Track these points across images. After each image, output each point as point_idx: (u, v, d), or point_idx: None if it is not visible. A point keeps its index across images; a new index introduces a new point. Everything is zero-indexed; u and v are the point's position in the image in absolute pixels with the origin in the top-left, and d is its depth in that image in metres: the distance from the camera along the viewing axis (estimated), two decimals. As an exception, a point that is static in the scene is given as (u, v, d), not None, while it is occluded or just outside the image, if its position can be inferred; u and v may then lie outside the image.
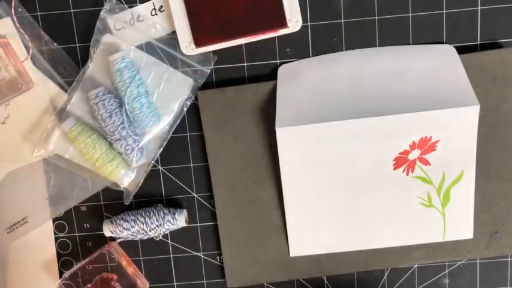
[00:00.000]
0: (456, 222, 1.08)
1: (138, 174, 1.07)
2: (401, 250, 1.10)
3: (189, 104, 1.06)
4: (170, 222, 1.08)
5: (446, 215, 1.07)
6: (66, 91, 1.05)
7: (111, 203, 1.11)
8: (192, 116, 1.07)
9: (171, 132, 1.06)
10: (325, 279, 1.15)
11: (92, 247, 1.13)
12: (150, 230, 1.08)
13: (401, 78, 1.01)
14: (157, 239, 1.12)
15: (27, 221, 1.10)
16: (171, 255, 1.14)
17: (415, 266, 1.13)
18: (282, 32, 1.02)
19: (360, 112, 0.98)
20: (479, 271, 1.13)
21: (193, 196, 1.11)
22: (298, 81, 1.03)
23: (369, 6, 1.03)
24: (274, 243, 1.11)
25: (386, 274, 1.14)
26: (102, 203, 1.11)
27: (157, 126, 1.04)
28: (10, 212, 1.10)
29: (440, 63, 1.02)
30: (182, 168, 1.10)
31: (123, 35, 1.03)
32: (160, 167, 1.10)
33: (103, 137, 1.04)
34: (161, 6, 1.02)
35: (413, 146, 1.01)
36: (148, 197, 1.11)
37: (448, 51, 1.03)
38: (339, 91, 1.02)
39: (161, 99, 1.04)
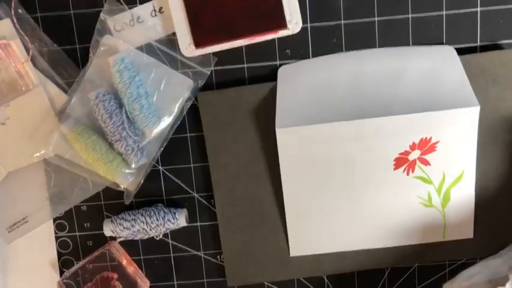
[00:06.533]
0: (456, 222, 1.08)
1: (138, 175, 1.07)
2: (401, 250, 1.10)
3: (189, 105, 1.06)
4: (170, 222, 1.08)
5: (446, 215, 1.07)
6: (66, 92, 1.05)
7: (111, 202, 1.12)
8: (192, 117, 1.08)
9: (172, 133, 1.07)
10: (325, 278, 1.15)
11: (92, 246, 1.14)
12: (150, 230, 1.08)
13: (401, 79, 1.01)
14: (158, 238, 1.12)
15: (27, 221, 1.10)
16: (172, 255, 1.14)
17: (415, 266, 1.14)
18: (282, 33, 1.02)
19: (360, 113, 0.98)
20: (479, 271, 1.13)
21: (194, 196, 1.11)
22: (298, 82, 1.03)
23: (369, 7, 1.03)
24: (274, 243, 1.11)
25: (386, 274, 1.14)
26: (102, 202, 1.12)
27: (158, 127, 1.04)
28: (10, 212, 1.10)
29: (440, 64, 1.02)
30: (182, 168, 1.10)
31: (123, 36, 1.03)
32: (160, 167, 1.10)
33: (103, 137, 1.04)
34: (161, 7, 1.02)
35: (413, 147, 1.01)
36: (149, 197, 1.11)
37: (448, 52, 1.03)
38: (338, 92, 1.02)
39: (161, 100, 1.04)
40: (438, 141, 1.01)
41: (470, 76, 1.01)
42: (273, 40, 1.04)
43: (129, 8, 1.02)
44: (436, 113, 0.97)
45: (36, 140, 1.05)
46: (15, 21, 1.01)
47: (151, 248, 1.14)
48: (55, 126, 1.04)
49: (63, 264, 1.15)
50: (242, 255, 1.12)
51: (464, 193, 1.06)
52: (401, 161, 1.03)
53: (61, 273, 1.15)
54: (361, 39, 1.04)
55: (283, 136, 1.01)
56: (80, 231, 1.13)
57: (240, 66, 1.06)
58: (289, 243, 1.10)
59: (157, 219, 1.08)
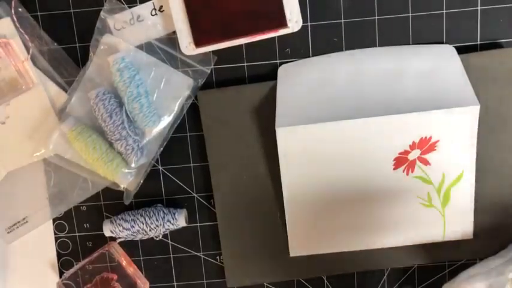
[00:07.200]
0: (456, 222, 1.08)
1: (138, 174, 1.07)
2: (401, 250, 1.10)
3: (189, 104, 1.06)
4: (170, 222, 1.08)
5: (446, 215, 1.07)
6: (66, 91, 1.05)
7: (111, 203, 1.12)
8: (192, 116, 1.08)
9: (171, 132, 1.07)
10: (325, 279, 1.15)
11: (92, 247, 1.13)
12: (150, 230, 1.08)
13: (401, 78, 1.01)
14: (157, 238, 1.12)
15: (27, 221, 1.10)
16: (171, 255, 1.14)
17: (415, 266, 1.13)
18: (282, 32, 1.02)
19: (359, 112, 0.98)
20: (479, 271, 1.13)
21: (193, 196, 1.11)
22: (298, 81, 1.03)
23: (369, 6, 1.03)
24: (274, 243, 1.11)
25: (386, 274, 1.14)
26: (102, 203, 1.11)
27: (158, 126, 1.04)
28: (10, 212, 1.10)
29: (440, 63, 1.02)
30: (182, 168, 1.10)
31: (123, 35, 1.03)
32: (160, 167, 1.10)
33: (103, 137, 1.04)
34: (161, 6, 1.02)
35: (413, 146, 1.01)
36: (148, 197, 1.11)
37: (447, 51, 1.03)
38: (338, 91, 1.02)
39: (161, 99, 1.04)
40: (438, 141, 1.01)
41: (470, 75, 1.01)
42: (273, 39, 1.04)
43: (129, 7, 1.03)
44: (436, 112, 0.97)
45: (36, 140, 1.05)
46: (15, 19, 1.01)
47: (150, 248, 1.14)
48: (55, 125, 1.04)
49: (63, 265, 1.14)
50: (242, 256, 1.12)
51: (464, 193, 1.06)
52: (401, 161, 1.03)
53: (60, 274, 1.15)
54: (361, 38, 1.04)
55: (283, 135, 1.01)
56: (80, 231, 1.13)
57: (240, 65, 1.06)
58: (289, 243, 1.10)
59: (156, 220, 1.07)
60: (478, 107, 0.98)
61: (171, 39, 1.04)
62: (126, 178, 1.05)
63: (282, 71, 1.05)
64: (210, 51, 1.04)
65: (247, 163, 1.08)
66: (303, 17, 1.02)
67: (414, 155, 1.02)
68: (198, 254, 1.14)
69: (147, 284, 1.13)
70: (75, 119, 1.03)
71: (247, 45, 1.04)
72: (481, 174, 1.06)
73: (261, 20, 1.01)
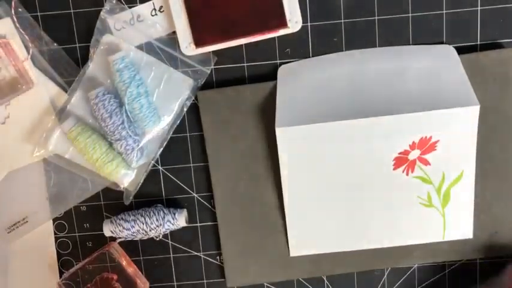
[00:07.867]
0: (456, 222, 1.08)
1: (138, 174, 1.07)
2: (401, 250, 1.10)
3: (189, 104, 1.06)
4: (170, 222, 1.08)
5: (446, 215, 1.07)
6: (66, 91, 1.05)
7: (111, 203, 1.11)
8: (192, 116, 1.07)
9: (171, 132, 1.07)
10: (325, 279, 1.15)
11: (92, 247, 1.13)
12: (150, 230, 1.08)
13: (401, 78, 1.01)
14: (158, 239, 1.12)
15: (27, 221, 1.10)
16: (171, 255, 1.14)
17: (415, 266, 1.13)
18: (282, 32, 1.02)
19: (359, 112, 0.98)
20: (479, 271, 1.13)
21: (193, 196, 1.11)
22: (298, 81, 1.03)
23: (369, 6, 1.03)
24: (274, 243, 1.11)
25: (386, 274, 1.14)
26: (102, 203, 1.11)
27: (157, 126, 1.04)
28: (10, 212, 1.10)
29: (440, 63, 1.02)
30: (182, 168, 1.10)
31: (123, 35, 1.03)
32: (160, 167, 1.10)
33: (103, 137, 1.04)
34: (161, 6, 1.02)
35: (413, 146, 1.01)
36: (148, 197, 1.11)
37: (447, 51, 1.03)
38: (338, 91, 1.02)
39: (161, 99, 1.04)
40: (438, 141, 1.01)
41: (470, 75, 1.01)
42: (273, 39, 1.04)
43: (129, 7, 1.03)
44: (436, 112, 0.97)
45: (36, 140, 1.05)
46: (15, 20, 1.01)
47: (151, 248, 1.14)
48: (55, 125, 1.04)
49: (63, 264, 1.14)
50: (242, 256, 1.12)
51: (464, 193, 1.06)
52: (401, 161, 1.03)
53: (60, 274, 1.14)
54: (361, 39, 1.04)
55: (283, 135, 1.01)
56: (80, 231, 1.13)
57: (240, 65, 1.05)
58: (289, 243, 1.10)
59: (157, 220, 1.07)
60: (478, 107, 0.97)
61: (171, 39, 1.04)
62: (126, 178, 1.05)
63: (282, 71, 1.05)
64: (210, 51, 1.03)
65: (247, 163, 1.08)
66: (303, 17, 1.02)
67: (414, 155, 1.02)
68: (198, 254, 1.14)
69: (147, 284, 1.12)
70: (75, 119, 1.03)
71: (247, 45, 1.04)
72: (481, 174, 1.06)
73: (261, 20, 1.01)
